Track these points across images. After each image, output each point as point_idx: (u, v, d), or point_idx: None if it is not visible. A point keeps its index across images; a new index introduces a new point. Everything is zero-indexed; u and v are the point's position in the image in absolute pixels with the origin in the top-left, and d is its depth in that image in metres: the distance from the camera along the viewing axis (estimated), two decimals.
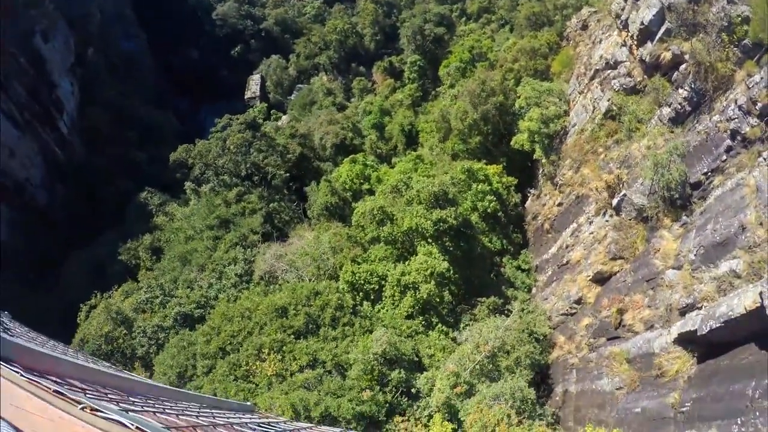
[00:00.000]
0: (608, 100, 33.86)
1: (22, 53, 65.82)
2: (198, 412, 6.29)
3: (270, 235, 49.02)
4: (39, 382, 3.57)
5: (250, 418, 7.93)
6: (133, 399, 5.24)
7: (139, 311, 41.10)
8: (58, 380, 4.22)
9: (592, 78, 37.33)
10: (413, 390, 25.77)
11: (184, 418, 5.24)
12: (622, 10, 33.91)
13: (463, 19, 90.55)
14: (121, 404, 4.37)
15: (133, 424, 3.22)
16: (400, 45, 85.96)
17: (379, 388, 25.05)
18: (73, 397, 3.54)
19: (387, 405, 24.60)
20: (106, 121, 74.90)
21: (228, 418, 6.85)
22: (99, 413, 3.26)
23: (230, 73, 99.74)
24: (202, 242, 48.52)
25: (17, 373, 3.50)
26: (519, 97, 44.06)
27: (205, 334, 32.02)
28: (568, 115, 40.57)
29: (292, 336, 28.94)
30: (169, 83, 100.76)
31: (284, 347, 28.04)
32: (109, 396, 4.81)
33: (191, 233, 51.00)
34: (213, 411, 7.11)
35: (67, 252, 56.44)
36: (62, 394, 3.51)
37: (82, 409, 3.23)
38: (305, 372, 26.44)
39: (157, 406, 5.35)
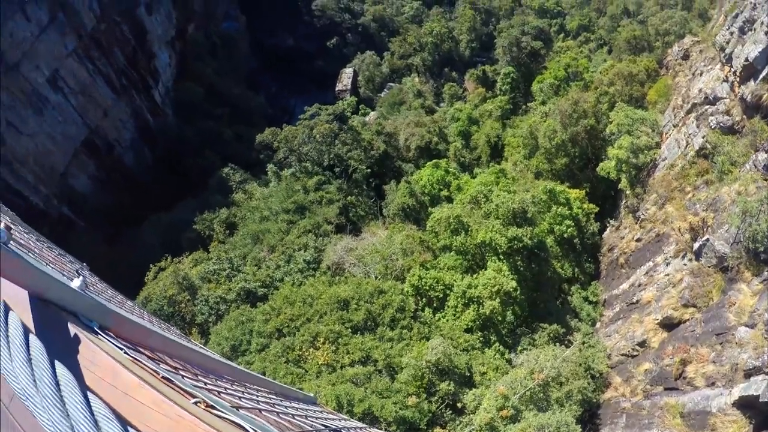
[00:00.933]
0: (703, 137, 32.63)
1: (126, 22, 69.69)
2: (298, 412, 6.40)
3: (343, 228, 50.14)
4: (144, 364, 3.30)
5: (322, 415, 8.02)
6: (223, 385, 5.15)
7: (205, 281, 42.74)
8: (151, 356, 3.99)
9: (689, 112, 36.04)
10: (459, 404, 25.95)
11: (286, 418, 5.32)
12: (727, 43, 32.54)
13: (561, 35, 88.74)
14: (222, 395, 4.37)
15: (253, 428, 3.07)
16: (495, 55, 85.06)
17: (425, 396, 25.45)
18: (182, 386, 3.34)
19: (430, 414, 24.95)
20: (198, 96, 78.47)
21: (317, 417, 7.11)
22: (214, 411, 3.10)
23: (324, 64, 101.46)
24: (276, 224, 49.73)
25: (120, 349, 3.24)
26: (611, 123, 42.98)
27: (264, 313, 33.07)
28: (659, 148, 39.26)
29: (350, 330, 29.62)
30: (263, 67, 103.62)
31: (340, 339, 28.76)
32: (200, 378, 4.74)
33: (267, 214, 52.42)
34: (293, 404, 7.24)
35: (147, 213, 59.21)
36: (171, 381, 3.30)
37: (196, 404, 3.03)
38: (356, 367, 27.07)
39: (245, 395, 5.36)
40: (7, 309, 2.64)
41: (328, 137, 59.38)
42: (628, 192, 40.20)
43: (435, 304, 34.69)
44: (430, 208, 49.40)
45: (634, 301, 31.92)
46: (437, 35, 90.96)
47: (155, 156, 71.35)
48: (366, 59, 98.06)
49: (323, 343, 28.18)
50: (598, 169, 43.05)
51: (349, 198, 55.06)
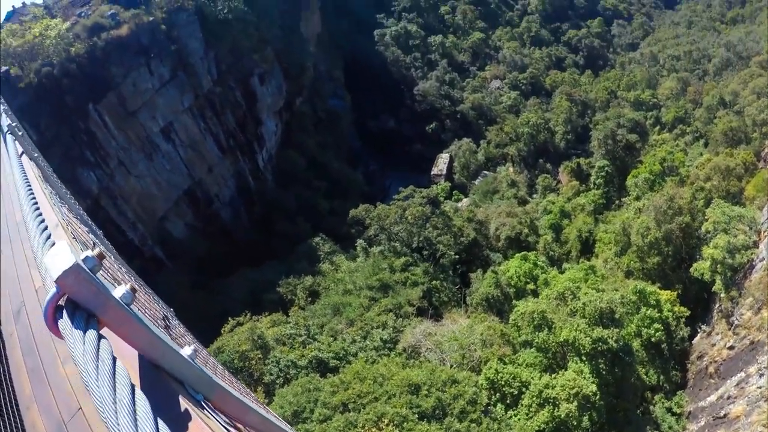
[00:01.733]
0: None
1: (239, 88, 75.60)
2: None
3: (425, 311, 49.71)
4: None
5: None
6: None
7: (280, 343, 42.99)
8: None
9: None
10: None
11: None
12: None
13: (657, 127, 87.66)
14: None
15: None
16: (590, 147, 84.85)
17: None
18: None
19: None
20: (299, 165, 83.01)
21: None
22: None
23: (422, 147, 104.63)
24: (358, 299, 49.97)
25: (221, 424, 3.34)
26: (707, 220, 41.70)
27: (333, 385, 32.51)
28: (757, 247, 37.25)
29: (416, 415, 28.66)
30: (364, 145, 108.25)
31: (405, 423, 27.78)
32: None
33: (350, 288, 52.89)
34: None
35: (234, 268, 61.23)
36: None
37: None
38: None
39: None
40: (114, 358, 2.75)
41: (420, 220, 60.21)
42: (722, 295, 38.18)
43: (508, 401, 33.46)
44: (514, 301, 48.48)
45: (722, 415, 29.89)
46: (533, 126, 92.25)
47: (250, 216, 75.18)
48: (462, 146, 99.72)
49: (387, 425, 27.22)
50: (691, 269, 41.39)
51: (433, 282, 54.90)
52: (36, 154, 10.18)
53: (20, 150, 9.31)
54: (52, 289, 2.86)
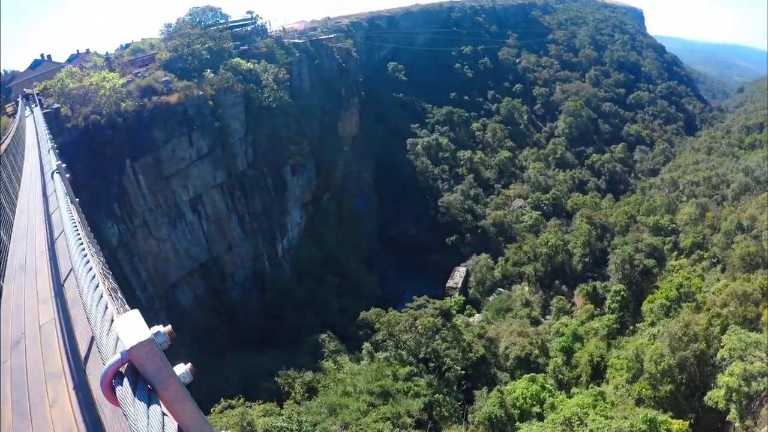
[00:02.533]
0: None
1: (271, 175, 77.35)
2: None
3: (424, 424, 47.88)
4: None
5: None
6: None
7: None
8: None
9: None
10: None
11: None
12: None
13: (675, 252, 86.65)
14: None
15: None
16: (607, 271, 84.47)
17: None
18: None
19: None
20: (317, 260, 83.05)
21: None
22: None
23: (440, 258, 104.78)
24: (357, 403, 48.50)
25: None
26: (723, 347, 40.59)
27: None
28: None
29: None
30: (382, 248, 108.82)
31: None
32: None
33: (350, 390, 51.41)
34: None
35: (235, 348, 60.27)
36: None
37: None
38: None
39: None
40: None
41: (430, 331, 59.51)
42: (737, 424, 36.35)
43: None
44: (518, 423, 46.74)
45: None
46: (552, 246, 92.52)
47: (261, 300, 74.32)
48: (480, 261, 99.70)
49: None
50: (705, 398, 39.77)
51: (436, 395, 53.07)
52: (76, 198, 10.68)
53: (65, 191, 9.74)
54: (117, 355, 3.04)
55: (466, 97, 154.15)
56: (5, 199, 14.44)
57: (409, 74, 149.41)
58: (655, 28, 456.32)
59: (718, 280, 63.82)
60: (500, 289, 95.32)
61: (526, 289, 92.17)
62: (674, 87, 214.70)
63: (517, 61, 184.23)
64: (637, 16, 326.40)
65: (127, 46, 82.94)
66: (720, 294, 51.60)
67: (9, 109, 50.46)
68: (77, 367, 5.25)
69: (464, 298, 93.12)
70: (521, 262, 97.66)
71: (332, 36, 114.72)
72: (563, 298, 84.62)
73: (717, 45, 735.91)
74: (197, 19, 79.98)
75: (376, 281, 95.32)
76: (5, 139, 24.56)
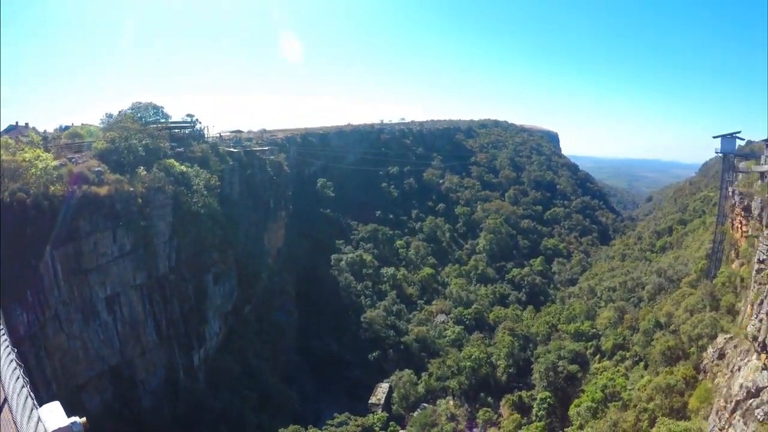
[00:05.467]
0: None
1: (192, 282, 74.61)
2: None
3: None
4: None
5: None
6: None
7: None
8: None
9: (733, 411, 34.22)
10: None
11: None
12: (758, 330, 32.65)
13: (597, 356, 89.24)
14: None
15: None
16: (532, 380, 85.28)
17: None
18: None
19: None
20: (233, 373, 79.12)
21: None
22: None
23: (362, 374, 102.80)
24: None
25: None
26: None
27: None
28: None
29: None
30: (302, 362, 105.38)
31: None
32: None
33: None
34: None
35: None
36: None
37: None
38: None
39: None
40: None
41: None
42: None
43: None
44: None
45: None
46: (476, 360, 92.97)
47: (172, 411, 68.89)
48: (404, 377, 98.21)
49: None
50: None
51: None
52: None
53: None
54: None
55: (391, 216, 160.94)
56: None
57: (338, 191, 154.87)
58: (569, 148, 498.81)
59: (642, 376, 65.72)
60: (424, 404, 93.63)
61: (451, 403, 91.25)
62: (588, 201, 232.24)
63: (441, 181, 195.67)
64: (553, 138, 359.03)
65: (67, 128, 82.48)
66: (645, 389, 53.22)
67: None
68: None
69: (387, 415, 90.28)
70: (445, 376, 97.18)
71: (266, 149, 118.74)
72: (489, 409, 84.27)
73: (625, 160, 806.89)
74: (138, 114, 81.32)
75: (295, 397, 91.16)
76: None
